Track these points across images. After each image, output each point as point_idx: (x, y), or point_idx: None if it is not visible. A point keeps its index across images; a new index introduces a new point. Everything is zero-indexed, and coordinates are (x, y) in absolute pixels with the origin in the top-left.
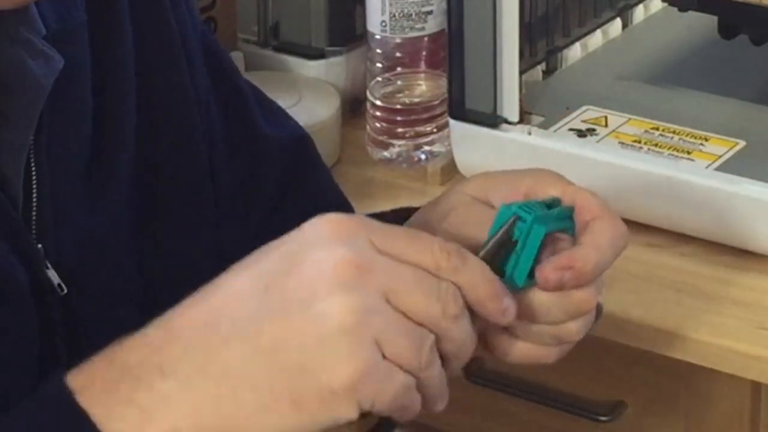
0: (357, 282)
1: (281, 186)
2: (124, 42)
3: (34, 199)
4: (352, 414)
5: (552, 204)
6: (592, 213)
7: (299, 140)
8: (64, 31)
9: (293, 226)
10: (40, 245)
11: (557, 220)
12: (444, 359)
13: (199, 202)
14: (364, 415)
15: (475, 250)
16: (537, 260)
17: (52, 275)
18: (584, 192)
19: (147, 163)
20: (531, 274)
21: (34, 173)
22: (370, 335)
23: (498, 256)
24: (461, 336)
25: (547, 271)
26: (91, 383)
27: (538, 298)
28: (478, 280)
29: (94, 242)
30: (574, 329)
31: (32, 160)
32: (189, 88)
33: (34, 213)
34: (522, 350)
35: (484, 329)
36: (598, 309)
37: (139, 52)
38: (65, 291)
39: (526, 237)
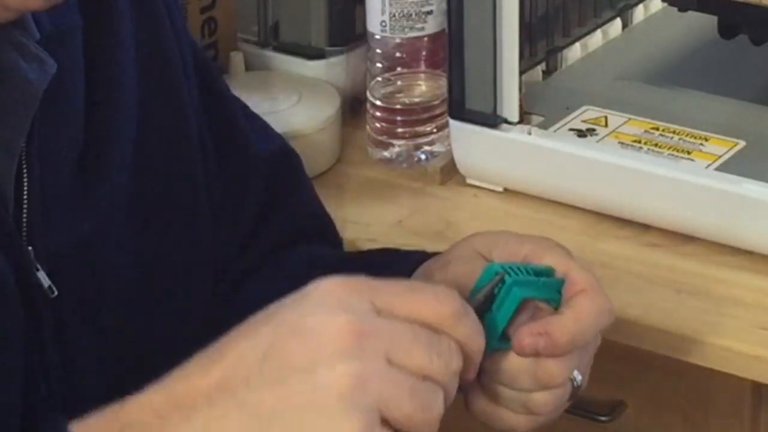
0: (357, 349)
1: (267, 198)
2: (122, 51)
3: (25, 202)
4: None
5: (543, 272)
6: (579, 286)
7: (285, 155)
8: (57, 33)
9: (277, 239)
10: (30, 247)
11: (542, 288)
12: None
13: (194, 210)
14: None
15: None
16: (513, 324)
17: (42, 277)
18: (577, 267)
19: (143, 173)
20: (503, 337)
21: (25, 175)
22: (369, 402)
23: (478, 311)
24: (454, 391)
25: (522, 335)
26: None
27: (509, 361)
28: (475, 335)
29: (84, 245)
30: (542, 401)
31: (24, 162)
32: (186, 103)
33: (24, 215)
34: (497, 414)
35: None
36: (576, 387)
37: (140, 66)
38: (55, 293)
39: (504, 298)
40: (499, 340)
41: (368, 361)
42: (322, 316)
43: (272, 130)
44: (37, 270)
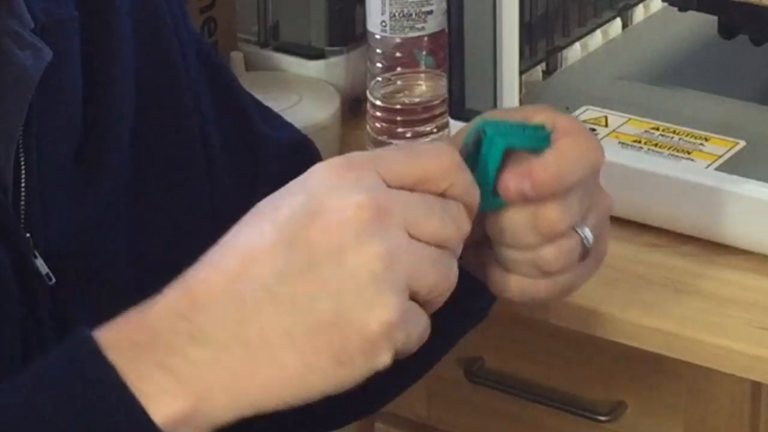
0: (379, 227)
1: (282, 185)
2: (119, 44)
3: (23, 189)
4: (388, 360)
5: (532, 127)
6: (564, 131)
7: (299, 141)
8: (52, 24)
9: None
10: (28, 234)
11: (528, 138)
12: None
13: (192, 202)
14: None
15: None
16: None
17: (40, 265)
18: (563, 115)
19: (142, 164)
20: (496, 194)
21: (23, 162)
22: (401, 276)
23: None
24: (460, 250)
25: (507, 178)
26: (118, 342)
27: (508, 218)
28: (472, 187)
29: (83, 234)
30: (551, 256)
31: (21, 149)
32: (185, 97)
33: (22, 202)
34: (515, 284)
35: (483, 264)
36: (586, 247)
37: (138, 60)
38: (53, 280)
39: (488, 151)
40: (493, 197)
41: (392, 239)
42: (338, 198)
43: (286, 121)
44: (35, 257)
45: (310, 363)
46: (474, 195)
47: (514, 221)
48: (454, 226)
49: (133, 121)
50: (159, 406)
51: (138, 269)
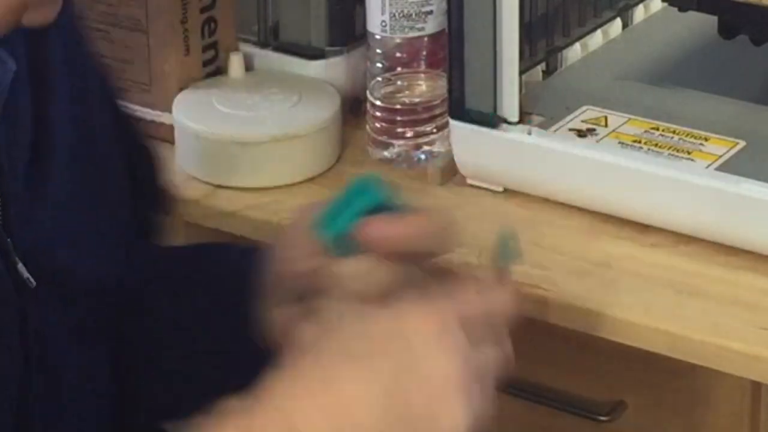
0: (469, 394)
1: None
2: (55, 60)
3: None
4: None
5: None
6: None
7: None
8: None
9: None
10: (9, 239)
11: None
12: None
13: (119, 216)
14: None
15: None
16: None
17: (22, 269)
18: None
19: (79, 179)
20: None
21: None
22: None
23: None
24: None
25: (367, 223)
26: None
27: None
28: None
29: (47, 241)
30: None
31: None
32: (102, 120)
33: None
34: None
35: None
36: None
37: (68, 76)
38: (34, 284)
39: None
40: (351, 245)
41: (476, 400)
42: (437, 361)
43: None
44: (17, 261)
45: None
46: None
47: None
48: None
49: (69, 134)
50: None
51: (102, 277)
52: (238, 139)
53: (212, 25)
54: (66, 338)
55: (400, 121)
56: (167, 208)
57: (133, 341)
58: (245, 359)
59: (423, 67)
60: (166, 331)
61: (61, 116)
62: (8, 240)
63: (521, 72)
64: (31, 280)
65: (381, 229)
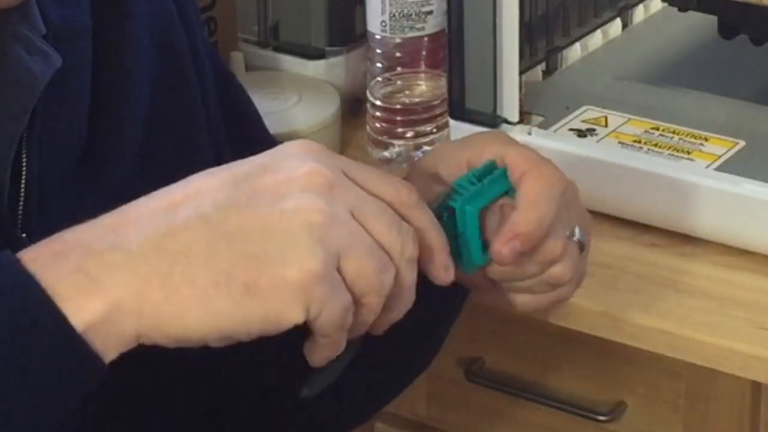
0: (326, 192)
1: None
2: (133, 55)
3: (23, 190)
4: (298, 316)
5: (487, 170)
6: (521, 168)
7: None
8: (65, 31)
9: None
10: (24, 234)
11: (490, 190)
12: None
13: None
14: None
15: None
16: (488, 233)
17: None
18: (513, 149)
19: (149, 176)
20: (485, 251)
21: (24, 164)
22: (331, 242)
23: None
24: (409, 282)
25: (498, 246)
26: (39, 255)
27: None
28: (432, 227)
29: None
30: (560, 271)
31: (23, 151)
32: (200, 111)
33: (21, 203)
34: (535, 302)
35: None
36: (581, 243)
37: (152, 71)
38: None
39: (463, 220)
40: (483, 255)
41: (335, 206)
42: (295, 161)
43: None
44: None
45: (219, 283)
46: (435, 234)
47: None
48: (399, 238)
49: (143, 134)
50: (74, 309)
51: None
52: None
53: (212, 25)
54: None
55: (400, 121)
56: None
57: None
58: None
59: (423, 67)
60: None
61: (138, 108)
62: (23, 236)
63: (521, 72)
64: None
65: (514, 247)
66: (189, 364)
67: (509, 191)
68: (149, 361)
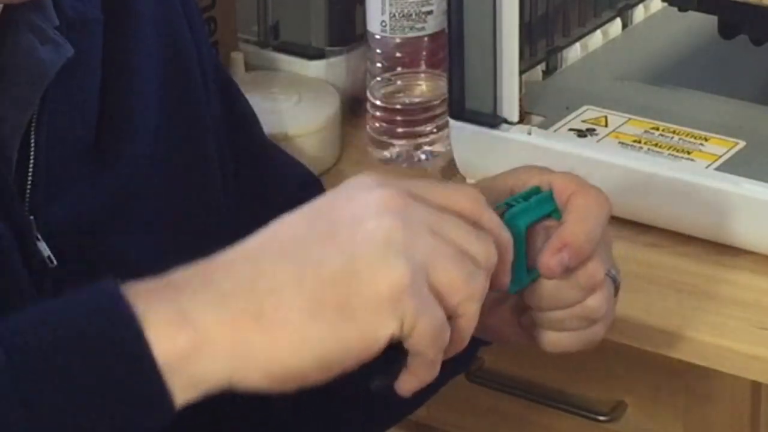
0: (402, 212)
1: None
2: (141, 49)
3: (30, 173)
4: (393, 327)
5: (531, 193)
6: (568, 190)
7: (311, 181)
8: (76, 23)
9: None
10: (32, 217)
11: (537, 208)
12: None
13: (207, 210)
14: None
15: None
16: (532, 252)
17: (42, 247)
18: (558, 174)
19: (161, 170)
20: (529, 270)
21: (32, 149)
22: (418, 256)
23: None
24: (488, 285)
25: (546, 258)
26: (136, 288)
27: (547, 285)
28: (502, 229)
29: (87, 224)
30: (596, 303)
31: (32, 137)
32: (205, 112)
33: (29, 186)
34: (566, 341)
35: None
36: (616, 282)
37: (160, 67)
38: (55, 264)
39: (512, 234)
40: (527, 274)
41: (413, 224)
42: (369, 191)
43: (297, 160)
44: (38, 240)
45: (313, 311)
46: (505, 237)
47: (554, 286)
48: (482, 245)
49: (154, 124)
50: (160, 337)
51: (146, 268)
52: None
53: (212, 25)
54: None
55: (400, 121)
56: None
57: None
58: None
59: (423, 67)
60: None
61: (146, 101)
62: (31, 218)
63: (521, 72)
64: (52, 258)
65: (562, 260)
66: None
67: (554, 213)
68: None
